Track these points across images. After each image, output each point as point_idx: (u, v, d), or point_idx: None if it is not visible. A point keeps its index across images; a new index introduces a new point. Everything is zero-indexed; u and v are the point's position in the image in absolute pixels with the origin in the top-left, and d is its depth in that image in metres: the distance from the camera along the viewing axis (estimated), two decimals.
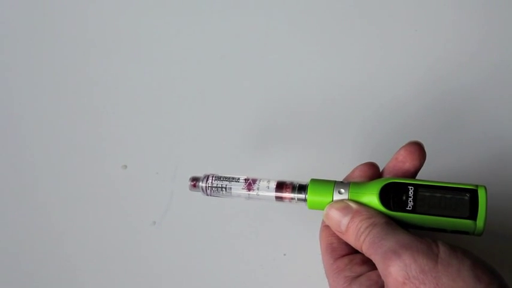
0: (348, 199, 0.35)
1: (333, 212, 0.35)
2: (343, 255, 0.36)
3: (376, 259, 0.31)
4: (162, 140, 0.50)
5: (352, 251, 0.36)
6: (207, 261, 0.45)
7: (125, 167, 0.49)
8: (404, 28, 0.53)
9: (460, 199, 0.33)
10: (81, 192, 0.48)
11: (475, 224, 0.33)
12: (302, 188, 0.37)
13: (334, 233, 0.36)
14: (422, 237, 0.31)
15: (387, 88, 0.50)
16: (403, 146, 0.36)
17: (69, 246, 0.46)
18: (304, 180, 0.38)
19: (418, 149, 0.36)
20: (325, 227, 0.37)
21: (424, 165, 0.36)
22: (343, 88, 0.51)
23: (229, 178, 0.39)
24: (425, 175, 0.37)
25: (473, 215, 0.33)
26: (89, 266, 0.46)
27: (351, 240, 0.34)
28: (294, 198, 0.38)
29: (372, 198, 0.34)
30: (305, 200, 0.37)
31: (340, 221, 0.34)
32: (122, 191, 0.48)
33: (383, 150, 0.41)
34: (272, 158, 0.48)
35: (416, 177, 0.37)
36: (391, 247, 0.30)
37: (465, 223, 0.33)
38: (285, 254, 0.44)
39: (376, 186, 0.34)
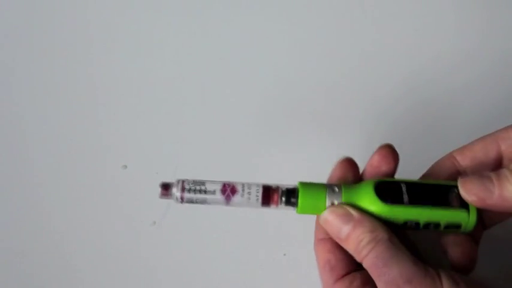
0: (346, 204, 0.34)
1: (332, 218, 0.34)
2: (343, 275, 0.35)
3: (378, 285, 0.31)
4: (162, 140, 0.50)
5: (351, 269, 0.35)
6: (207, 261, 0.45)
7: (125, 167, 0.49)
8: (404, 28, 0.53)
9: (451, 193, 0.34)
10: (81, 192, 0.48)
11: (468, 215, 0.34)
12: (291, 192, 0.34)
13: (331, 249, 0.35)
14: (426, 267, 0.31)
15: (386, 89, 0.50)
16: (375, 152, 0.36)
17: (69, 246, 0.46)
18: (290, 183, 0.35)
19: (391, 152, 0.36)
20: (319, 241, 0.36)
21: (417, 165, 0.37)
22: (341, 89, 0.51)
23: (205, 183, 0.34)
24: (421, 175, 0.38)
25: (465, 206, 0.34)
26: (89, 266, 0.46)
27: (351, 249, 0.33)
28: (282, 203, 0.34)
29: (368, 193, 0.34)
30: (295, 204, 0.34)
31: (340, 228, 0.33)
32: (122, 191, 0.48)
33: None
34: (271, 159, 0.48)
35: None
36: (394, 279, 0.30)
37: (459, 214, 0.34)
38: (285, 254, 0.44)
39: (370, 184, 0.34)
